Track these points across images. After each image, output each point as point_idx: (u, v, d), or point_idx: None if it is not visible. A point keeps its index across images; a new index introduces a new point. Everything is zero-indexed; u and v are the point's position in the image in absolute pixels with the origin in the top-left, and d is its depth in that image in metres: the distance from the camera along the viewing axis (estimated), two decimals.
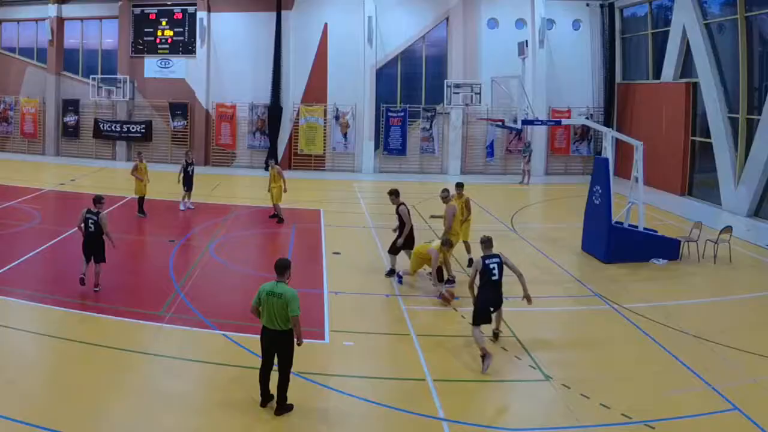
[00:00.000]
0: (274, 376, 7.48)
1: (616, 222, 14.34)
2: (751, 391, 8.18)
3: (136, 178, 17.74)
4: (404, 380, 8.51)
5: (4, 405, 7.26)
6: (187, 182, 18.54)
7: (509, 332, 9.98)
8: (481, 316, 8.96)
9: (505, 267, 9.18)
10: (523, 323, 10.41)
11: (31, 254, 13.52)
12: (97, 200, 11.47)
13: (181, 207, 18.56)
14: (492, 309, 9.10)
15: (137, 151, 20.30)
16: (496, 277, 9.01)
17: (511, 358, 9.16)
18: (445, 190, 13.13)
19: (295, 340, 7.38)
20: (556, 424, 7.47)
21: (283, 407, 7.42)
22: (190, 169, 18.60)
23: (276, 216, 17.50)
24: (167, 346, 9.26)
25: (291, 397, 7.55)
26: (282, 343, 7.35)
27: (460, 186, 13.81)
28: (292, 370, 7.49)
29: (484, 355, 8.61)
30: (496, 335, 9.64)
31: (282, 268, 7.44)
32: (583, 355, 9.58)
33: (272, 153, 27.57)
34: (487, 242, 9.37)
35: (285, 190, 17.53)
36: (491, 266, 9.01)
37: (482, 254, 9.22)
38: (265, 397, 7.51)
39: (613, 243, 14.06)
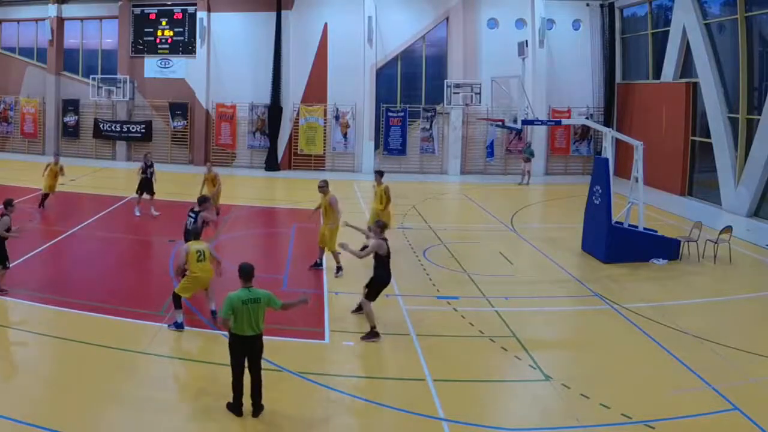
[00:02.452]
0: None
1: (616, 222, 14.34)
2: (751, 391, 8.18)
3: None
4: (404, 380, 8.51)
5: (4, 405, 7.26)
6: (147, 186, 17.65)
7: (509, 332, 9.98)
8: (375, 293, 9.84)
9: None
10: (523, 323, 10.41)
11: (31, 254, 13.51)
12: None
13: (137, 212, 17.65)
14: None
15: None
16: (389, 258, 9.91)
17: (511, 358, 9.16)
18: (324, 182, 13.14)
19: (302, 302, 7.91)
20: (556, 424, 7.47)
21: (261, 407, 7.39)
22: (149, 172, 17.73)
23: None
24: (167, 346, 9.26)
25: (290, 396, 7.56)
26: (257, 347, 7.37)
27: (379, 174, 14.46)
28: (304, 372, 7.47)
29: (374, 331, 9.54)
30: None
31: (249, 273, 7.43)
32: (583, 355, 9.58)
33: (272, 153, 27.59)
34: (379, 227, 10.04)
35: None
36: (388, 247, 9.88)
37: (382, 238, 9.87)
38: (241, 405, 7.37)
39: (613, 243, 14.06)
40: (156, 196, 17.86)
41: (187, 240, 10.32)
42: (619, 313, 11.09)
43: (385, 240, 9.88)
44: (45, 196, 18.00)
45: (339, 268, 12.74)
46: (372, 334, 9.56)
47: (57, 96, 29.43)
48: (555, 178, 27.46)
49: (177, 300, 9.80)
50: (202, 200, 11.94)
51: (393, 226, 14.07)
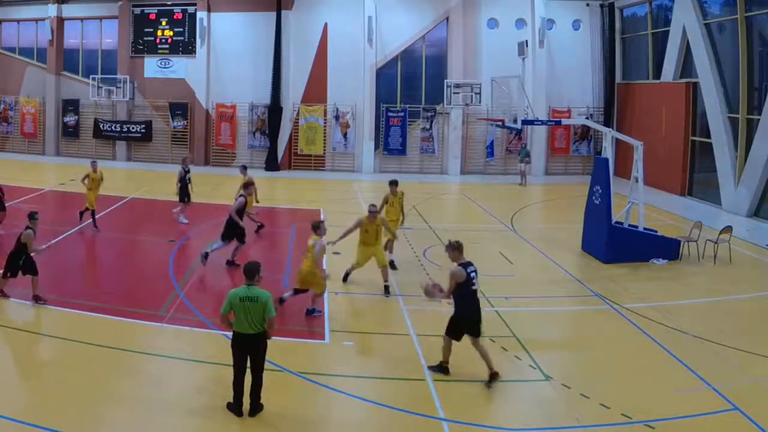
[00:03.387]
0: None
1: (616, 222, 14.34)
2: (751, 391, 8.18)
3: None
4: (404, 380, 8.51)
5: (4, 405, 7.26)
6: (186, 192, 17.23)
7: (509, 332, 9.98)
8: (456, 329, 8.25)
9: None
10: (523, 323, 10.41)
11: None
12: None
13: (184, 221, 17.22)
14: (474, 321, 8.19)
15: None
16: (475, 287, 8.18)
17: (511, 358, 9.16)
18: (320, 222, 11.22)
19: (268, 339, 7.40)
20: (556, 424, 7.46)
21: (259, 407, 7.38)
22: (188, 177, 17.27)
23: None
24: (167, 346, 9.26)
25: (290, 396, 7.55)
26: (257, 346, 7.31)
27: (395, 183, 13.77)
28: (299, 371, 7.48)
29: (444, 366, 8.32)
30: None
31: (252, 271, 7.39)
32: (583, 355, 9.58)
33: (272, 153, 27.59)
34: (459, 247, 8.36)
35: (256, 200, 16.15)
36: (471, 274, 8.15)
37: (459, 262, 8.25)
38: (241, 405, 7.37)
39: (613, 243, 14.06)
40: (156, 196, 17.82)
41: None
42: (619, 313, 11.09)
43: (466, 264, 8.21)
44: (92, 212, 15.94)
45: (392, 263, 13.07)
46: (440, 368, 8.46)
47: (57, 96, 29.45)
48: (555, 178, 27.46)
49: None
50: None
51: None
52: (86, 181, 16.08)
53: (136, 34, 28.88)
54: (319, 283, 10.45)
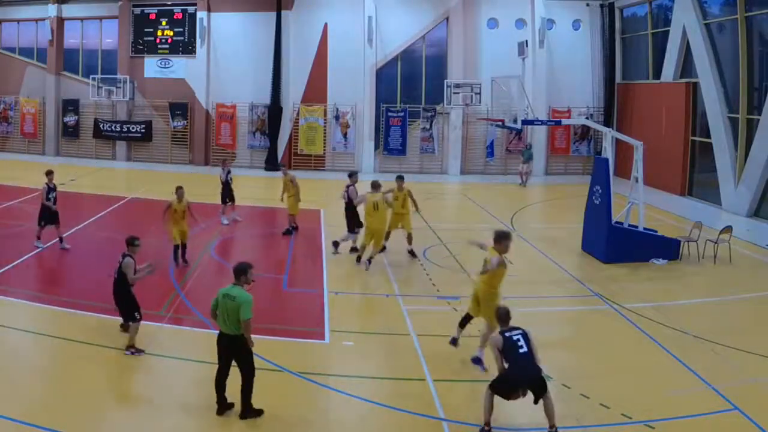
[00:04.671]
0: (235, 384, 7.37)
1: (616, 222, 14.34)
2: (751, 391, 8.18)
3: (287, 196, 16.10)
4: (404, 380, 8.51)
5: (4, 405, 7.26)
6: (229, 193, 17.31)
7: None
8: (505, 390, 7.24)
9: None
10: (523, 323, 10.36)
11: (31, 254, 13.52)
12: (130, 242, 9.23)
13: (225, 221, 17.18)
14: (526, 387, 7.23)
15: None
16: (524, 350, 7.22)
17: None
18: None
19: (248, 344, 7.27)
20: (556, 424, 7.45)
21: (250, 411, 7.28)
22: (229, 178, 17.37)
23: (290, 230, 16.16)
24: (167, 346, 9.25)
25: (290, 396, 7.55)
26: (235, 348, 7.27)
27: (401, 178, 14.64)
28: (301, 373, 7.47)
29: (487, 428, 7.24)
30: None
31: (238, 271, 7.35)
32: (583, 355, 9.58)
33: (272, 153, 27.59)
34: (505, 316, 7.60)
35: (299, 200, 16.07)
36: (515, 338, 7.28)
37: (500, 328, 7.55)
38: (222, 405, 7.35)
39: (613, 243, 14.06)
40: (156, 196, 17.79)
41: None
42: (619, 313, 11.09)
43: (509, 330, 7.35)
44: (181, 246, 13.21)
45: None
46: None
47: (57, 96, 29.44)
48: (555, 178, 27.45)
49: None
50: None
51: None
52: (167, 214, 13.13)
53: (136, 34, 28.87)
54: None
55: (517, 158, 26.76)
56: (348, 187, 14.57)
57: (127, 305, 8.95)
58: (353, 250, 14.27)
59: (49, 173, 14.38)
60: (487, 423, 7.20)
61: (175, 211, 13.02)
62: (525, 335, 7.29)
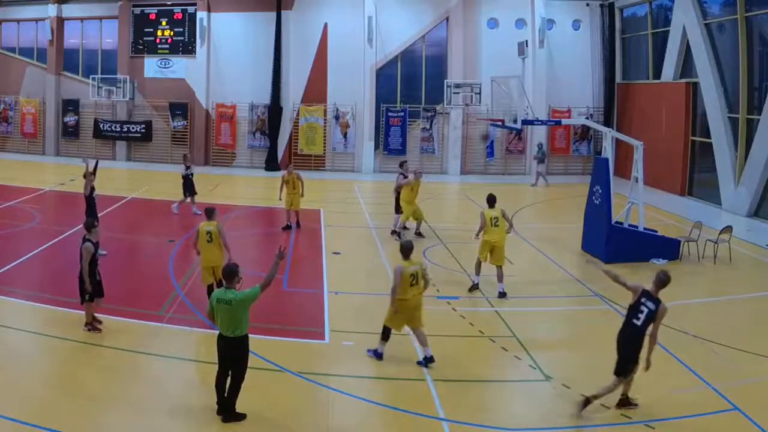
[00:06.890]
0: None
1: (616, 222, 14.33)
2: (751, 391, 8.18)
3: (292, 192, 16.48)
4: (404, 380, 8.51)
5: (4, 405, 7.26)
6: (190, 188, 17.97)
7: (509, 332, 9.98)
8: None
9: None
10: (523, 323, 10.41)
11: (30, 254, 13.52)
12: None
13: (176, 210, 17.96)
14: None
15: (286, 163, 18.71)
16: (639, 322, 7.43)
17: (511, 358, 9.16)
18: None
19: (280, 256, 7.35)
20: (556, 424, 7.46)
21: (233, 415, 7.26)
22: (189, 173, 18.07)
23: (289, 227, 16.56)
24: (167, 346, 9.26)
25: (290, 396, 7.54)
26: (234, 351, 7.25)
27: (419, 174, 16.10)
28: (294, 374, 7.46)
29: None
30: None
31: (230, 275, 7.32)
32: (583, 355, 9.58)
33: (272, 153, 27.59)
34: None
35: (302, 195, 16.58)
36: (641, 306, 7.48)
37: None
38: (222, 405, 7.36)
39: (613, 243, 14.05)
40: (156, 197, 17.79)
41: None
42: (619, 313, 11.05)
43: (646, 293, 7.58)
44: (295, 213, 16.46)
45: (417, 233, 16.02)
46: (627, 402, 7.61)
47: (57, 96, 29.42)
48: (555, 178, 27.38)
49: (385, 332, 8.94)
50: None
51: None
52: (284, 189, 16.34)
53: (136, 34, 28.85)
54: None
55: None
56: (402, 175, 16.14)
57: (81, 285, 9.47)
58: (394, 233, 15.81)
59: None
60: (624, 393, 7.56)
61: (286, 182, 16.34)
62: (648, 309, 7.64)
